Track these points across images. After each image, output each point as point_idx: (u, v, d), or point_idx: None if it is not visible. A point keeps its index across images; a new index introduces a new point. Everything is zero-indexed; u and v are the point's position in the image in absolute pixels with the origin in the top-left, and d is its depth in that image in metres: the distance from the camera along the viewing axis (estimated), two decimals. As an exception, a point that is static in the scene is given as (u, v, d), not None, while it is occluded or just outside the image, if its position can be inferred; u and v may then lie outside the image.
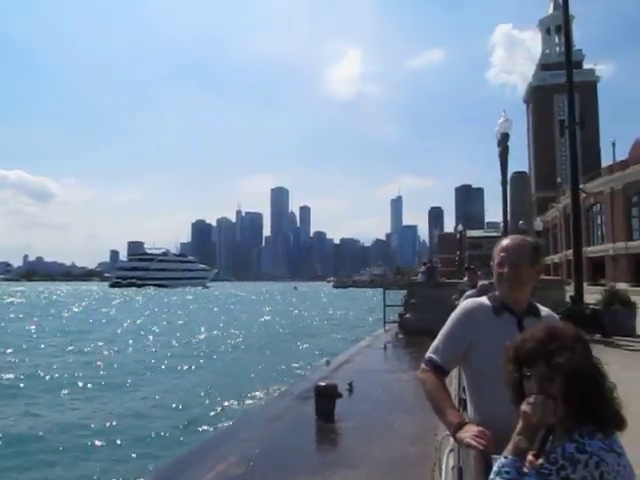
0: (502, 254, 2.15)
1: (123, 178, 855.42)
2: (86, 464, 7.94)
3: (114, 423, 9.93)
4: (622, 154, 60.59)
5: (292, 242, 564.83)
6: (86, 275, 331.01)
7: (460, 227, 53.32)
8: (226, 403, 11.27)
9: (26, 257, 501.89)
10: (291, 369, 15.62)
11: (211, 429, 9.23)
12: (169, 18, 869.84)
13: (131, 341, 23.66)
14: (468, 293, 6.29)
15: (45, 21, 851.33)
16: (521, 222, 22.81)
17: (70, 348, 20.95)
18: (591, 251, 52.73)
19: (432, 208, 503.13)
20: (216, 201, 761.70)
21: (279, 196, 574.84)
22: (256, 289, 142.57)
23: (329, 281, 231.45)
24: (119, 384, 13.95)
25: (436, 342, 2.21)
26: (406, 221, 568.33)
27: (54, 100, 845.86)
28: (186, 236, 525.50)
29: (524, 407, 1.45)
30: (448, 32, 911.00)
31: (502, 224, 20.57)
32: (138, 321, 35.24)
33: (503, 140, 18.06)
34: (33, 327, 29.72)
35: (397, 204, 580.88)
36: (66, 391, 13.02)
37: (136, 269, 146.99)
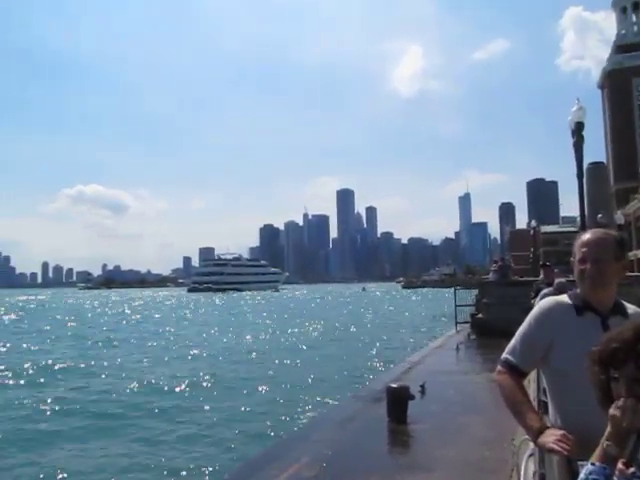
0: (584, 249, 1.99)
1: (192, 187, 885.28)
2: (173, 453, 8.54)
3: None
4: None
5: (359, 243, 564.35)
6: (160, 281, 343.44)
7: (533, 223, 51.28)
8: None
9: (105, 266, 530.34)
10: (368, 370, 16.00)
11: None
12: (230, 27, 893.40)
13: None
14: (545, 292, 6.02)
15: (105, 37, 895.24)
16: (600, 216, 21.63)
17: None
18: (679, 244, 49.32)
19: (502, 204, 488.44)
20: (283, 205, 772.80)
21: (345, 197, 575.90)
22: (326, 291, 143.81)
23: (398, 282, 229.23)
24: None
25: (513, 342, 2.10)
26: (475, 218, 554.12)
27: (121, 115, 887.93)
28: (254, 240, 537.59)
29: (613, 411, 1.36)
30: (513, 21, 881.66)
31: (579, 218, 19.63)
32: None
33: (577, 129, 17.21)
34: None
35: (465, 201, 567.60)
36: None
37: (211, 274, 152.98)
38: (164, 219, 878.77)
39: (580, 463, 1.50)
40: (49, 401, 12.52)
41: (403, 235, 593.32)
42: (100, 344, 24.96)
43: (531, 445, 2.12)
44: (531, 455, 2.38)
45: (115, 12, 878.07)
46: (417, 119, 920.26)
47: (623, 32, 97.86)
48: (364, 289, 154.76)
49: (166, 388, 14.12)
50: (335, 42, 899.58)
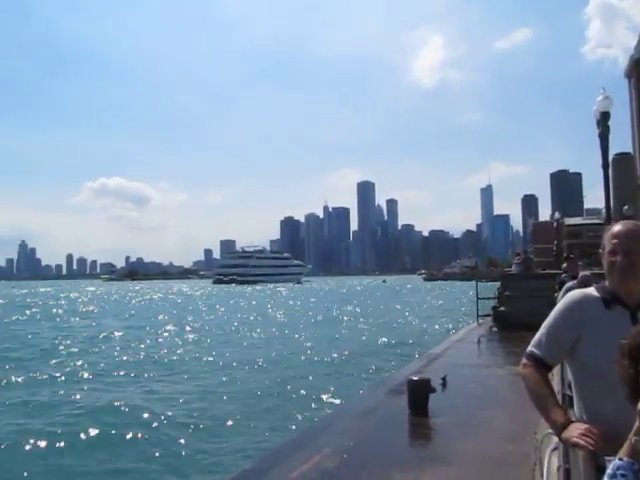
0: (614, 241, 1.94)
1: (213, 180, 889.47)
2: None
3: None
4: None
5: (380, 236, 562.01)
6: (182, 273, 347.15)
7: (557, 215, 50.56)
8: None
9: (128, 258, 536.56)
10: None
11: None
12: (249, 20, 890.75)
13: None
14: (569, 285, 5.92)
15: (125, 30, 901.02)
16: (626, 207, 21.20)
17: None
18: None
19: (525, 196, 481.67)
20: (303, 198, 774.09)
21: (365, 190, 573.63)
22: (347, 284, 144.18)
23: (419, 274, 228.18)
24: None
25: (539, 335, 2.07)
26: (497, 210, 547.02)
27: (143, 109, 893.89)
28: (275, 233, 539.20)
29: (641, 406, 1.33)
30: (536, 9, 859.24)
31: (604, 210, 19.26)
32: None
33: (603, 119, 16.81)
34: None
35: (487, 193, 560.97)
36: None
37: (236, 266, 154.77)
38: (185, 212, 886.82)
39: (607, 458, 1.48)
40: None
41: (424, 227, 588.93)
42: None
43: (554, 439, 2.10)
44: (554, 449, 2.36)
45: (135, 5, 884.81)
46: (438, 110, 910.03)
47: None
48: (384, 281, 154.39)
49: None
50: (354, 34, 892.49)
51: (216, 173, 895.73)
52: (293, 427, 9.45)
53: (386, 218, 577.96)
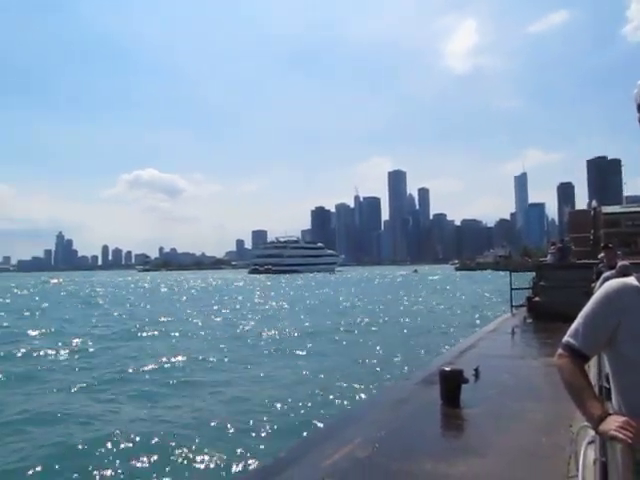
0: None
1: (244, 171, 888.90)
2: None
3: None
4: None
5: (411, 225, 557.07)
6: (215, 264, 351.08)
7: (594, 203, 49.40)
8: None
9: (162, 249, 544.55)
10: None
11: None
12: (278, 8, 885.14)
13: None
14: (607, 275, 5.79)
15: (156, 22, 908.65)
16: (667, 195, 20.51)
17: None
18: None
19: (561, 184, 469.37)
20: (334, 187, 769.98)
21: (396, 179, 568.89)
22: (380, 273, 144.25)
23: (452, 264, 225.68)
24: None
25: (575, 325, 2.01)
26: (532, 199, 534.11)
27: (175, 102, 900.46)
28: (306, 223, 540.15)
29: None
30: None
31: (645, 198, 18.68)
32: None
33: (644, 105, 16.30)
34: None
35: (521, 181, 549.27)
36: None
37: (271, 256, 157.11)
38: (216, 202, 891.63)
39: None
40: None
41: (456, 217, 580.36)
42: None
43: (590, 432, 2.06)
44: (591, 442, 2.31)
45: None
46: (471, 96, 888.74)
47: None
48: (416, 271, 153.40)
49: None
50: (385, 20, 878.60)
51: (247, 164, 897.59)
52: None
53: (417, 207, 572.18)
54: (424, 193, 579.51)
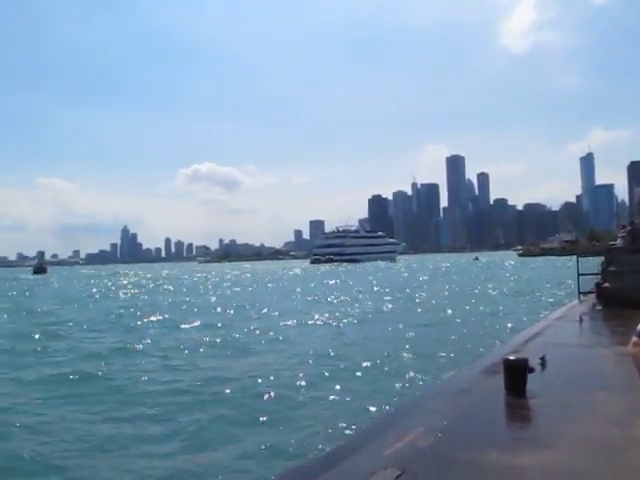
0: None
1: (300, 161, 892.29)
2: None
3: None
4: None
5: (471, 211, 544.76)
6: (274, 254, 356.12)
7: (669, 182, 46.73)
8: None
9: (221, 241, 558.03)
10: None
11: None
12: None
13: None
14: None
15: (212, 15, 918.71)
16: None
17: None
18: None
19: (632, 163, 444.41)
20: (391, 175, 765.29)
21: (455, 164, 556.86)
22: (439, 261, 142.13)
23: (515, 250, 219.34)
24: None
25: None
26: (599, 180, 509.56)
27: (231, 92, 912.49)
28: (363, 212, 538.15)
29: None
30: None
31: None
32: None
33: None
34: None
35: (588, 161, 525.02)
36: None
37: (332, 246, 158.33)
38: (272, 194, 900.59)
39: None
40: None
41: (518, 201, 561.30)
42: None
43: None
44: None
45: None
46: (531, 75, 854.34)
47: None
48: (477, 258, 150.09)
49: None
50: (442, 2, 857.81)
51: (303, 154, 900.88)
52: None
53: (477, 193, 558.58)
54: (483, 178, 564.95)
